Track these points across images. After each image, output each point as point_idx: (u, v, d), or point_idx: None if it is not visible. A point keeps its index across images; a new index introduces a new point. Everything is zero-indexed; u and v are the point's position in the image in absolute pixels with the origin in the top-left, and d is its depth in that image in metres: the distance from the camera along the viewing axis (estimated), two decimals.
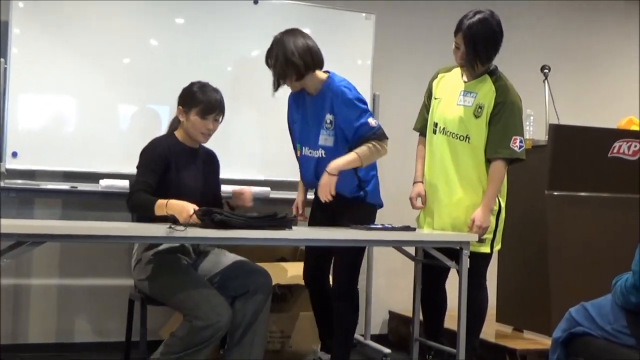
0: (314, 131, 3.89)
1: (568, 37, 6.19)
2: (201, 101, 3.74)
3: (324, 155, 3.87)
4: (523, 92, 4.03)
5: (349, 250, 3.87)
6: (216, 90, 3.80)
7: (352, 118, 3.79)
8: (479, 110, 3.90)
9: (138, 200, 3.56)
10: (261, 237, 3.37)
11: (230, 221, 3.27)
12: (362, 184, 3.90)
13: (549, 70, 4.80)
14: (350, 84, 3.89)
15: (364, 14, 5.14)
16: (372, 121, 3.82)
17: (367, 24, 5.14)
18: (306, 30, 3.98)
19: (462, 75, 4.02)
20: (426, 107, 4.16)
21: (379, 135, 3.81)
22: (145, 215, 3.54)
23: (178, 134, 3.83)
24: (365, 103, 3.87)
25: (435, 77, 4.17)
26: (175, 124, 3.85)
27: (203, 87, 3.79)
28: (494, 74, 3.95)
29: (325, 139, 3.87)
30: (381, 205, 4.02)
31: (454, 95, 4.00)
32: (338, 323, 3.95)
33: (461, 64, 3.95)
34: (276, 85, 3.87)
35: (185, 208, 3.36)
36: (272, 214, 3.41)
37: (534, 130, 4.77)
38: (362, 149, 3.79)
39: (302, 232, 3.71)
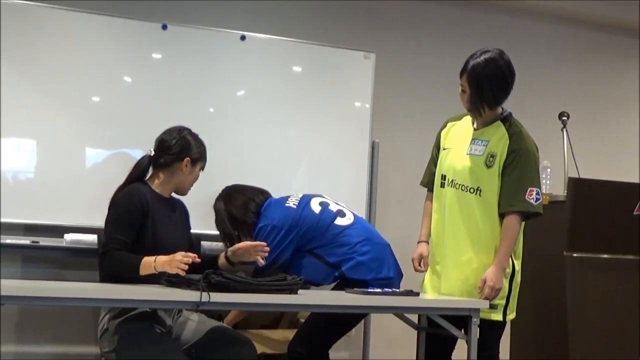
0: None
1: (589, 83, 6.24)
2: (204, 155, 3.86)
3: None
4: (539, 141, 4.04)
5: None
6: None
7: None
8: (491, 159, 3.89)
9: (116, 260, 3.53)
10: (265, 303, 3.38)
11: (229, 284, 3.26)
12: (335, 269, 4.04)
13: (568, 118, 4.82)
14: (275, 218, 4.06)
15: (362, 53, 5.17)
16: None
17: (366, 63, 5.16)
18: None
19: (473, 123, 4.02)
20: (434, 161, 4.15)
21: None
22: (126, 276, 3.52)
23: (152, 182, 3.81)
24: (270, 249, 3.92)
25: (444, 126, 4.17)
26: (141, 170, 3.82)
27: (197, 137, 3.87)
28: (508, 120, 3.95)
29: None
30: (378, 279, 4.02)
31: (464, 144, 3.99)
32: None
33: (468, 108, 3.96)
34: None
35: (173, 257, 3.43)
36: (282, 277, 3.45)
37: (552, 184, 4.78)
38: None
39: (309, 297, 3.67)
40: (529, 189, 3.85)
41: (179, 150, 3.79)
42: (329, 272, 4.05)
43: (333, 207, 4.16)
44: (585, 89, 6.22)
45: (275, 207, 4.12)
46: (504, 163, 3.88)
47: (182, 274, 3.41)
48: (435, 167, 4.11)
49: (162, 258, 3.48)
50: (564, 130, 4.78)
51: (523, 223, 3.92)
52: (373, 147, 5.17)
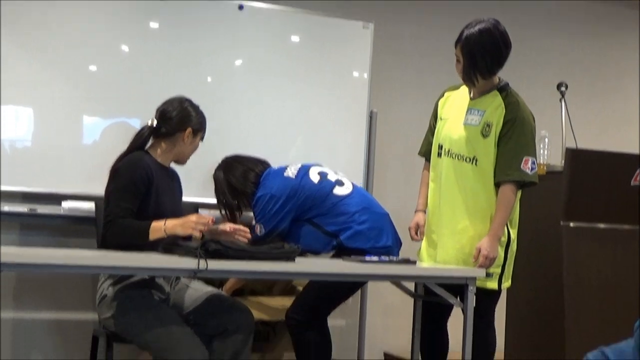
0: None
1: (588, 53, 6.24)
2: (204, 126, 3.88)
3: None
4: (537, 111, 4.05)
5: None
6: None
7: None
8: (487, 129, 3.91)
9: (124, 227, 3.54)
10: (263, 271, 3.43)
11: (227, 252, 3.29)
12: (333, 238, 4.08)
13: (566, 88, 4.82)
14: (274, 187, 4.09)
15: (361, 23, 5.16)
16: (257, 228, 4.05)
17: (365, 33, 5.16)
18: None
19: (470, 92, 4.03)
20: (431, 130, 4.17)
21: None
22: (134, 243, 3.55)
23: (154, 151, 3.83)
24: (268, 218, 4.04)
25: (441, 96, 4.19)
26: (142, 139, 3.83)
27: (197, 107, 3.89)
28: (504, 90, 3.96)
29: None
30: (376, 248, 4.05)
31: (460, 114, 4.01)
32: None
33: (462, 78, 3.97)
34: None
35: (187, 219, 3.49)
36: (279, 245, 3.50)
37: (549, 154, 4.77)
38: None
39: (306, 265, 3.70)
40: (525, 158, 3.87)
41: (180, 120, 3.81)
42: (327, 240, 4.08)
43: (332, 177, 4.18)
44: (584, 60, 6.22)
45: (274, 177, 4.14)
46: (499, 132, 3.90)
47: (198, 235, 3.48)
48: (433, 136, 4.13)
49: (172, 221, 3.52)
50: (562, 100, 4.78)
51: (519, 192, 3.95)
52: (371, 117, 5.17)
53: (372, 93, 5.17)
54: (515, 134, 3.88)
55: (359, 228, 4.06)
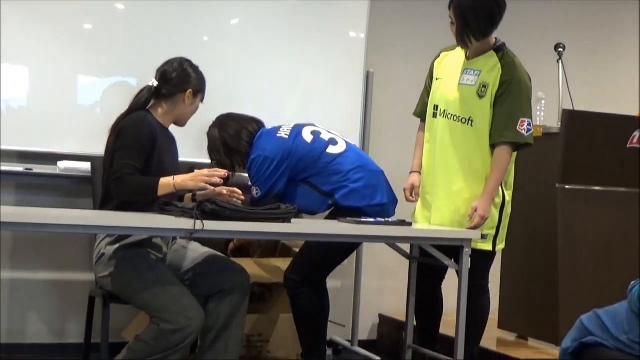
0: None
1: (586, 12, 6.19)
2: (204, 87, 3.88)
3: None
4: (534, 73, 4.04)
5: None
6: None
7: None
8: (483, 89, 3.91)
9: (132, 184, 3.57)
10: (259, 231, 3.44)
11: (223, 213, 3.30)
12: (328, 197, 4.10)
13: (564, 49, 4.81)
14: (267, 149, 4.10)
15: None
16: (254, 190, 4.08)
17: None
18: None
19: (466, 53, 4.02)
20: (427, 91, 4.17)
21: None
22: (142, 199, 3.59)
23: (156, 112, 3.82)
24: (263, 180, 4.06)
25: (437, 56, 4.18)
26: (144, 99, 3.82)
27: (197, 68, 3.88)
28: (501, 50, 3.96)
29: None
30: (372, 206, 4.07)
31: (456, 74, 4.01)
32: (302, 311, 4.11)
33: (456, 39, 3.97)
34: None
35: (198, 172, 3.56)
36: (275, 206, 3.50)
37: (546, 115, 4.78)
38: None
39: (301, 226, 3.69)
40: (520, 119, 3.88)
41: (180, 81, 3.81)
42: (322, 200, 4.10)
43: (325, 136, 4.17)
44: (582, 21, 6.17)
45: (267, 138, 4.14)
46: (495, 93, 3.90)
47: (211, 189, 3.54)
48: (429, 97, 4.12)
49: (181, 176, 3.56)
50: (560, 62, 4.77)
51: (514, 153, 3.96)
52: (367, 77, 5.16)
53: (368, 53, 5.14)
54: (511, 95, 3.88)
55: (353, 186, 4.07)
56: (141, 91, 3.81)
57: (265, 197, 4.02)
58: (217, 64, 4.73)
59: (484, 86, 3.90)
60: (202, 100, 3.91)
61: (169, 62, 3.84)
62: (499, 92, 3.89)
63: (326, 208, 4.16)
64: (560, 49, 4.81)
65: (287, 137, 4.11)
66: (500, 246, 4.03)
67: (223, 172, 3.58)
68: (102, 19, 4.64)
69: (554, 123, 4.66)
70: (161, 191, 3.55)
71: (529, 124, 3.89)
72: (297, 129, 4.16)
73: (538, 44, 5.38)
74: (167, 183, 3.55)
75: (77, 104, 4.64)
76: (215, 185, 3.57)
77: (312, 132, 4.17)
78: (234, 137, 4.17)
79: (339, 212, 3.99)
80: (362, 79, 5.10)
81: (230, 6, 4.87)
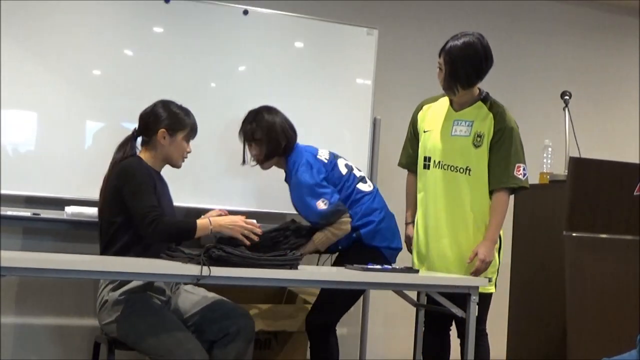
0: None
1: (592, 62, 6.23)
2: (187, 124, 3.86)
3: None
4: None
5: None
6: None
7: (297, 201, 4.17)
8: (479, 139, 4.01)
9: (172, 226, 3.61)
10: (266, 277, 3.41)
11: (230, 259, 3.30)
12: (353, 231, 4.15)
13: (570, 97, 4.83)
14: (310, 160, 4.16)
15: (365, 29, 5.17)
16: (321, 204, 4.04)
17: (369, 39, 5.16)
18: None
19: (452, 104, 4.10)
20: (410, 142, 4.29)
21: (330, 219, 4.05)
22: (179, 240, 3.63)
23: (145, 157, 3.84)
24: (316, 186, 4.09)
25: (419, 108, 4.29)
26: (129, 146, 3.84)
27: (182, 107, 3.89)
28: (488, 100, 4.08)
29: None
30: (390, 248, 4.17)
31: (446, 126, 4.10)
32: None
33: (443, 86, 4.08)
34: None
35: (235, 221, 3.59)
36: (282, 253, 3.50)
37: (552, 163, 4.79)
38: (319, 236, 4.12)
39: (308, 273, 3.70)
40: (517, 165, 4.01)
41: (152, 123, 3.83)
42: (347, 234, 4.16)
43: (357, 172, 4.29)
44: (587, 68, 6.21)
45: (310, 156, 4.23)
46: (490, 141, 4.01)
47: (247, 243, 3.56)
48: (412, 148, 4.25)
49: (218, 220, 3.61)
50: (566, 109, 4.79)
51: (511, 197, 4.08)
52: (374, 123, 5.19)
53: (375, 100, 5.17)
54: (506, 142, 4.00)
55: (378, 226, 4.17)
56: (123, 141, 3.87)
57: (338, 203, 4.08)
58: (224, 109, 4.76)
59: (479, 136, 4.00)
60: (189, 138, 3.88)
61: (146, 107, 3.88)
62: (493, 139, 4.02)
63: (347, 243, 4.19)
64: (566, 97, 4.83)
65: (326, 161, 4.21)
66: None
67: (259, 230, 3.61)
68: (110, 65, 4.68)
69: (560, 170, 4.67)
70: (199, 233, 3.58)
71: (524, 169, 4.03)
72: (333, 156, 4.27)
73: (544, 92, 5.41)
74: (205, 226, 3.58)
75: (85, 149, 4.66)
76: (250, 239, 3.60)
77: (346, 165, 4.27)
78: (286, 132, 4.23)
79: (360, 248, 4.07)
80: (369, 125, 5.12)
81: (238, 53, 4.91)
